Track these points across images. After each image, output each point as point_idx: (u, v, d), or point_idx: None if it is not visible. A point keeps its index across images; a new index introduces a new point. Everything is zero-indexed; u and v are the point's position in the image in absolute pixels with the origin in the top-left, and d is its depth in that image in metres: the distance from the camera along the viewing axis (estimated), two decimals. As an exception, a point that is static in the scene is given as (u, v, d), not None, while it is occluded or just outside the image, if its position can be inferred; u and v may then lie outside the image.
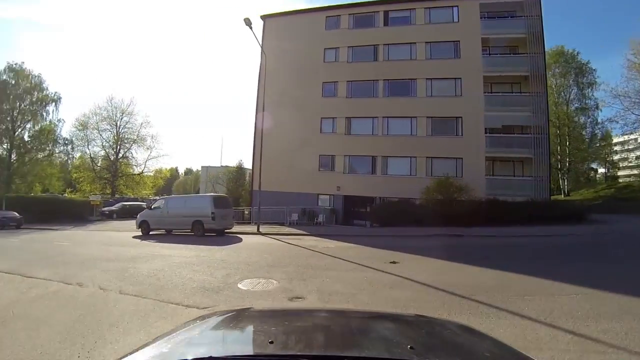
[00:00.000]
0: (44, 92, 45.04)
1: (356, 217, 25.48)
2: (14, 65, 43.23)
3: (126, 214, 31.73)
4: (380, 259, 9.85)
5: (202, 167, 80.00)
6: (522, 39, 24.71)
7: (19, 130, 43.55)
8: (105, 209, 31.43)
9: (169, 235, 17.09)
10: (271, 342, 1.24)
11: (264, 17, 29.38)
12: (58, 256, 11.29)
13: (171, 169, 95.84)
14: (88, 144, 47.12)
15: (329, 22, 27.80)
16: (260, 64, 27.64)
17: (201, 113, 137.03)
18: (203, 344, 1.38)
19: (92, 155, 47.55)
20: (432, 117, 24.88)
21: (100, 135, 47.46)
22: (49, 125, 45.57)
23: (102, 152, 48.29)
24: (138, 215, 18.71)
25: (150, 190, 54.28)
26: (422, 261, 9.77)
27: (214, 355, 1.11)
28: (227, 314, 1.83)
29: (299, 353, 1.19)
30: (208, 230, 16.47)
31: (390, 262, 9.19)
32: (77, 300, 6.33)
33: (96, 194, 44.08)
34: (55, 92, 46.51)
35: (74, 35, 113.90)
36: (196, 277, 7.79)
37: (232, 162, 40.03)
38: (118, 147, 48.37)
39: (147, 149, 49.00)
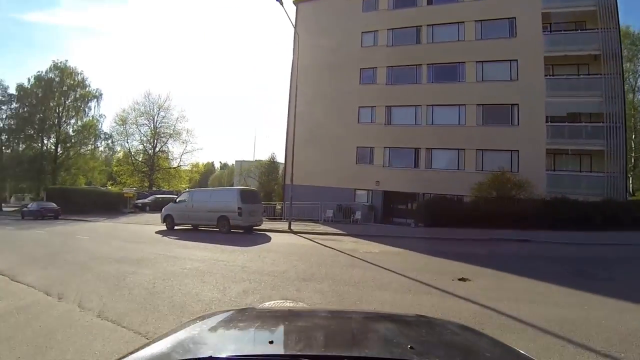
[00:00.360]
0: (87, 88, 45.79)
1: (396, 215, 22.96)
2: (59, 64, 44.10)
3: (159, 206, 30.66)
4: (442, 272, 7.49)
5: (236, 161, 79.86)
6: (591, 12, 20.97)
7: (64, 125, 44.55)
8: (139, 201, 30.81)
9: (193, 232, 15.48)
10: (271, 342, 1.25)
11: (296, 2, 27.28)
12: (66, 253, 9.86)
13: (207, 164, 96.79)
14: (127, 139, 47.51)
15: (367, 4, 25.17)
16: (294, 49, 25.67)
17: (236, 107, 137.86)
18: (203, 344, 1.35)
19: (130, 149, 48.06)
20: (483, 104, 21.79)
21: (139, 129, 47.82)
22: (92, 120, 46.35)
23: (140, 146, 48.70)
24: (163, 209, 17.30)
25: (186, 183, 54.38)
26: (501, 279, 7.21)
27: (214, 355, 1.08)
28: (227, 313, 1.77)
29: (299, 353, 1.14)
30: (234, 227, 14.70)
31: (459, 279, 6.79)
32: (37, 325, 4.52)
33: (134, 187, 44.56)
34: (97, 89, 47.25)
35: (112, 35, 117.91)
36: (203, 293, 5.81)
37: (266, 157, 38.63)
38: (155, 141, 48.56)
39: (183, 143, 49.10)
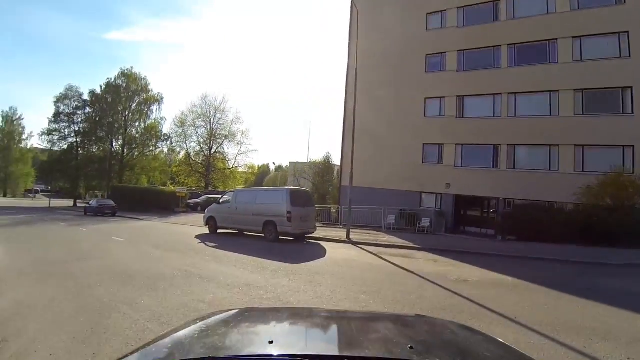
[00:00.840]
0: (149, 93, 47.09)
1: (469, 223, 19.15)
2: (126, 71, 45.64)
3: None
4: (610, 334, 4.18)
5: (290, 162, 78.43)
6: None
7: (130, 127, 46.02)
8: (191, 201, 29.86)
9: (237, 237, 13.23)
10: (271, 342, 1.20)
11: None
12: (80, 262, 7.92)
13: (263, 166, 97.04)
14: (185, 140, 47.99)
15: (432, -18, 21.65)
16: (350, 36, 22.95)
17: (291, 108, 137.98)
18: (203, 344, 1.29)
19: (188, 150, 48.61)
20: (582, 89, 17.26)
21: (196, 131, 48.17)
22: (154, 122, 47.52)
23: (198, 148, 49.06)
24: (206, 210, 15.35)
25: (242, 184, 54.20)
26: None
27: (214, 355, 1.07)
28: (227, 313, 1.72)
29: (299, 353, 1.09)
30: (283, 234, 12.19)
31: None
32: None
33: (192, 187, 44.87)
34: (159, 93, 48.44)
35: (174, 46, 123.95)
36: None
37: (320, 157, 36.29)
38: (211, 142, 48.62)
39: (237, 144, 48.82)
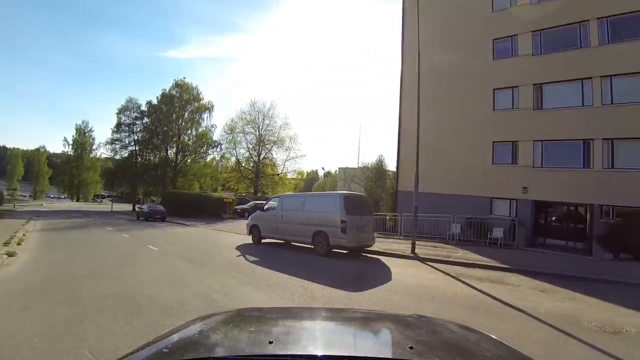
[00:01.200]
0: (201, 101, 47.93)
1: (552, 235, 15.81)
2: (179, 81, 46.85)
3: (258, 213, 28.84)
4: None
5: (339, 168, 76.52)
6: None
7: (183, 135, 47.09)
8: (238, 207, 28.96)
9: (283, 249, 11.43)
10: (271, 342, 1.18)
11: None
12: (93, 278, 6.53)
13: (311, 172, 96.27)
14: (235, 147, 48.13)
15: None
16: (403, 31, 20.70)
17: (340, 115, 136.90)
18: (202, 344, 1.30)
19: (238, 156, 48.71)
20: None
21: (245, 137, 48.17)
22: (205, 130, 48.23)
23: (247, 154, 49.01)
24: (249, 218, 13.79)
25: (290, 190, 53.36)
26: None
27: (214, 355, 1.06)
28: (227, 314, 1.71)
29: (298, 353, 1.10)
30: (335, 247, 10.15)
31: None
32: None
33: (241, 193, 44.64)
34: (209, 101, 49.11)
35: (224, 59, 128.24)
36: None
37: (371, 161, 33.86)
38: (260, 148, 48.37)
39: (286, 149, 48.15)
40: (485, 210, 16.44)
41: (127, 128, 46.33)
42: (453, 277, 7.68)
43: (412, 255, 10.18)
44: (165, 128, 45.30)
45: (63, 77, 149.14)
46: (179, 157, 46.48)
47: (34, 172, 68.97)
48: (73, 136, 64.97)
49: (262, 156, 48.63)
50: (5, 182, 71.13)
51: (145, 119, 46.72)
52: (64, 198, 71.05)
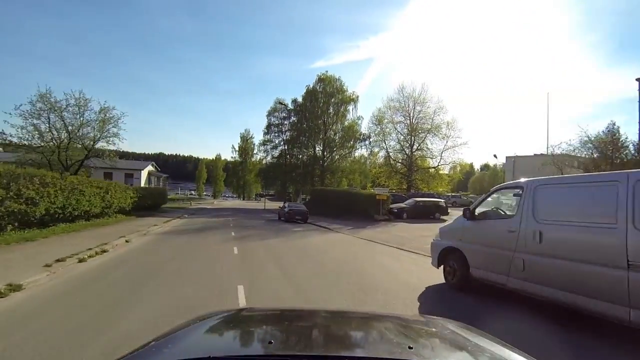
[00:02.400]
0: (345, 93, 43.84)
1: None
2: (322, 76, 43.85)
3: (419, 214, 21.68)
4: None
5: (507, 157, 61.21)
6: None
7: (329, 130, 44.10)
8: (394, 206, 22.52)
9: (529, 317, 4.39)
10: (271, 342, 1.16)
11: None
12: None
13: (465, 165, 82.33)
14: (384, 138, 42.24)
15: None
16: None
17: (488, 104, 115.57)
18: (203, 343, 1.28)
19: (387, 150, 42.61)
20: None
21: (395, 128, 41.87)
22: (351, 123, 44.03)
23: (397, 146, 42.41)
24: (439, 233, 6.77)
25: (447, 186, 44.21)
26: None
27: (214, 355, 1.01)
28: (227, 313, 1.67)
29: (298, 353, 1.08)
30: None
31: None
32: None
33: (392, 190, 38.45)
34: (353, 92, 44.73)
35: (363, 58, 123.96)
36: None
37: (596, 133, 20.86)
38: (412, 138, 41.11)
39: (443, 138, 39.66)
40: None
41: (276, 129, 46.48)
42: None
43: None
44: (310, 124, 42.98)
45: (229, 98, 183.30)
46: (325, 153, 43.59)
47: (213, 176, 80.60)
48: (239, 143, 73.05)
49: (414, 147, 41.29)
50: (194, 185, 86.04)
51: (292, 118, 45.84)
52: (233, 197, 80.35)
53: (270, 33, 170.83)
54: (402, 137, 41.80)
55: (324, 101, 43.42)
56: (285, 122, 46.54)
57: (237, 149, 73.64)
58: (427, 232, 15.13)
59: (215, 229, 14.97)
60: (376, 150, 44.66)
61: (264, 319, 1.75)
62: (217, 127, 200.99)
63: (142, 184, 47.56)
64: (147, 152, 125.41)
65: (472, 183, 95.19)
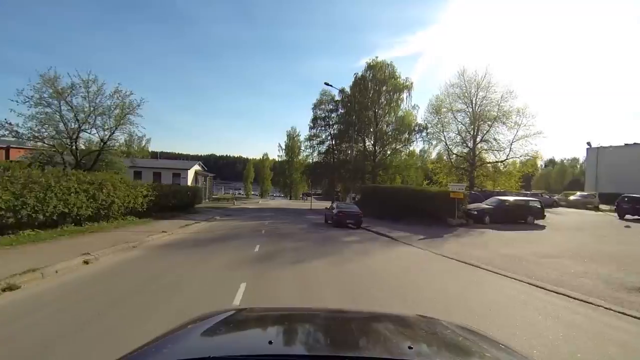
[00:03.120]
0: (397, 79, 38.53)
1: None
2: (371, 62, 38.91)
3: (506, 217, 16.31)
4: None
5: (587, 149, 51.56)
6: None
7: (380, 121, 39.23)
8: (472, 206, 17.22)
9: None
10: (271, 342, 1.13)
11: None
12: None
13: (538, 157, 71.81)
14: (443, 130, 36.07)
15: None
16: None
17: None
18: (203, 343, 1.26)
19: (447, 142, 36.41)
20: None
21: (455, 117, 35.50)
22: (406, 113, 38.67)
23: (458, 138, 35.99)
24: None
25: (516, 182, 36.90)
26: None
27: (214, 355, 1.00)
28: (227, 313, 1.62)
29: (298, 353, 1.10)
30: None
31: None
32: None
33: (460, 184, 32.39)
34: (407, 78, 39.24)
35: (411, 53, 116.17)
36: None
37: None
38: (475, 129, 34.57)
39: (512, 127, 32.75)
40: None
41: (322, 122, 42.49)
42: None
43: None
44: (360, 116, 38.26)
45: (277, 99, 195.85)
46: (377, 147, 38.67)
47: (260, 175, 79.04)
48: (285, 141, 70.42)
49: (478, 139, 34.77)
50: (242, 184, 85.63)
51: (340, 110, 41.55)
52: (281, 196, 78.22)
53: (315, 34, 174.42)
54: (463, 127, 35.50)
55: (374, 90, 38.52)
56: (332, 115, 42.41)
57: (283, 147, 71.43)
58: (540, 248, 9.91)
59: (236, 239, 11.04)
60: (434, 143, 38.66)
61: (264, 319, 1.72)
62: (266, 127, 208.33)
63: (189, 184, 46.41)
64: (199, 154, 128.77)
65: (537, 180, 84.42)
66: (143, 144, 69.49)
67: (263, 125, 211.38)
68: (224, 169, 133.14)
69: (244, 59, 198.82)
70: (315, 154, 42.64)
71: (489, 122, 34.41)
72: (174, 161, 58.99)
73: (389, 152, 38.92)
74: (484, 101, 34.24)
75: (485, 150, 35.64)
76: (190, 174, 46.49)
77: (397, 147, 38.29)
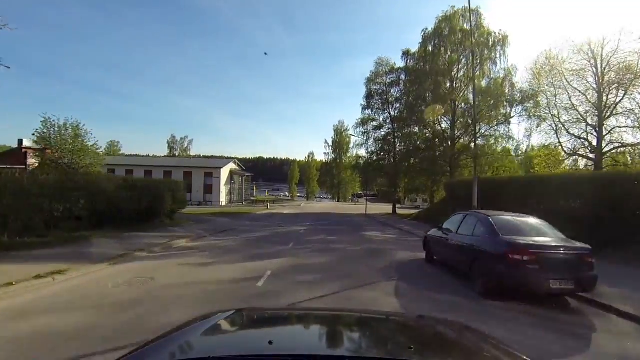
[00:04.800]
0: (484, 28, 26.49)
1: None
2: (448, 14, 27.02)
3: None
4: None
5: None
6: None
7: (461, 90, 27.54)
8: None
9: None
10: (270, 343, 1.09)
11: None
12: None
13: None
14: (548, 103, 23.14)
15: None
16: None
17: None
18: (203, 343, 1.23)
19: (560, 118, 23.20)
20: None
21: (568, 84, 21.96)
22: (497, 78, 26.46)
23: (574, 113, 22.53)
24: None
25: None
26: None
27: (214, 355, 0.98)
28: (227, 313, 1.57)
29: (298, 353, 1.05)
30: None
31: None
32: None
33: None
34: (500, 30, 26.97)
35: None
36: None
37: None
38: (604, 97, 21.11)
39: None
40: None
41: (379, 100, 31.69)
42: None
43: None
44: (432, 86, 26.83)
45: (321, 102, 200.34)
46: (456, 129, 26.99)
47: (306, 176, 71.32)
48: (332, 137, 61.77)
49: (606, 113, 21.28)
50: (287, 186, 78.18)
51: (402, 82, 30.50)
52: (328, 198, 69.80)
53: (356, 36, 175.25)
54: (581, 97, 22.02)
55: (451, 48, 26.98)
56: (391, 91, 31.51)
57: (330, 143, 61.97)
58: None
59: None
60: (536, 122, 25.61)
61: (264, 319, 1.71)
62: (311, 130, 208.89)
63: (223, 184, 38.31)
64: (247, 157, 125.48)
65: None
66: (185, 145, 64.61)
67: (309, 127, 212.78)
68: (272, 171, 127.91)
69: (287, 65, 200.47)
70: (371, 142, 31.72)
71: (623, 87, 20.93)
72: (206, 159, 52.11)
73: (480, 132, 26.37)
74: (615, 55, 20.79)
75: (622, 127, 22.23)
76: (224, 172, 38.31)
77: (492, 126, 26.12)
